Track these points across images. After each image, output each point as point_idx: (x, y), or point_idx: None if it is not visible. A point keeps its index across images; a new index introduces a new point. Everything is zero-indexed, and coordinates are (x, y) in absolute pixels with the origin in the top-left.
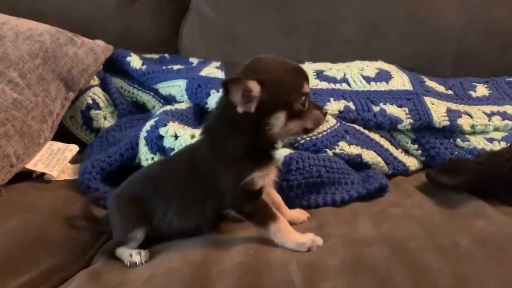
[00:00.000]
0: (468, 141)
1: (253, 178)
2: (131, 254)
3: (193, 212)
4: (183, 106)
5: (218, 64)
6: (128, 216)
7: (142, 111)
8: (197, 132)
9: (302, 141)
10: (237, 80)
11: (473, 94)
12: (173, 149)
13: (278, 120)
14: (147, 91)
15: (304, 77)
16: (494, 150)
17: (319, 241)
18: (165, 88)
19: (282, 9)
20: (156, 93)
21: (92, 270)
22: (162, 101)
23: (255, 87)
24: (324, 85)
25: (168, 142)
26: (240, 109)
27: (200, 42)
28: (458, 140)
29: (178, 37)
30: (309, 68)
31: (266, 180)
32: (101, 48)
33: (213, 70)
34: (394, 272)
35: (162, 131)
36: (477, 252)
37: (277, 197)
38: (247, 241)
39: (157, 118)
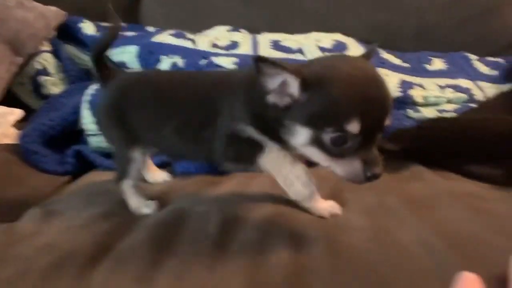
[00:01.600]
0: (420, 112)
1: (245, 129)
2: (139, 206)
3: (188, 137)
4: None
5: (172, 31)
6: (121, 134)
7: (95, 79)
8: None
9: None
10: (275, 65)
11: (428, 67)
12: None
13: (299, 135)
14: None
15: (363, 109)
16: (437, 117)
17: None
18: (117, 54)
19: None
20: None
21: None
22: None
23: (295, 85)
24: (279, 54)
25: None
26: (270, 98)
27: (160, 11)
28: (410, 111)
29: (138, 6)
30: (266, 38)
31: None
32: (53, 14)
33: (166, 37)
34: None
35: None
36: (401, 209)
37: None
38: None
39: None
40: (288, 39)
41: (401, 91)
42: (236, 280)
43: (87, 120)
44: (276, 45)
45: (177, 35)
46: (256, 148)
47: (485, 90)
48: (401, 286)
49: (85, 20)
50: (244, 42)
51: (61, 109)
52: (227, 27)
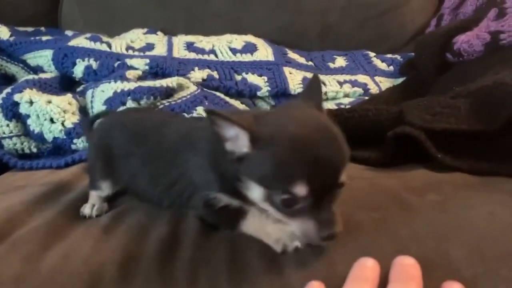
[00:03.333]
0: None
1: (214, 196)
2: (85, 206)
3: (162, 189)
4: (48, 75)
5: (88, 35)
6: (98, 164)
7: (12, 83)
8: (54, 98)
9: (161, 106)
10: (223, 118)
11: (331, 65)
12: (29, 116)
13: (254, 192)
14: (16, 63)
15: (310, 171)
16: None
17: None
18: (32, 58)
19: None
20: (25, 65)
21: None
22: (31, 72)
23: (244, 138)
24: (192, 55)
25: (23, 109)
26: (228, 146)
27: (79, 15)
28: None
29: (57, 10)
30: (181, 40)
31: (235, 203)
32: None
33: (82, 41)
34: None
35: (17, 97)
36: None
37: None
38: None
39: (13, 86)
40: (202, 41)
41: (302, 87)
42: (115, 254)
43: (0, 123)
44: (190, 47)
45: (92, 39)
46: (235, 215)
47: (381, 85)
48: None
49: (0, 25)
50: (160, 44)
51: None
52: (144, 30)
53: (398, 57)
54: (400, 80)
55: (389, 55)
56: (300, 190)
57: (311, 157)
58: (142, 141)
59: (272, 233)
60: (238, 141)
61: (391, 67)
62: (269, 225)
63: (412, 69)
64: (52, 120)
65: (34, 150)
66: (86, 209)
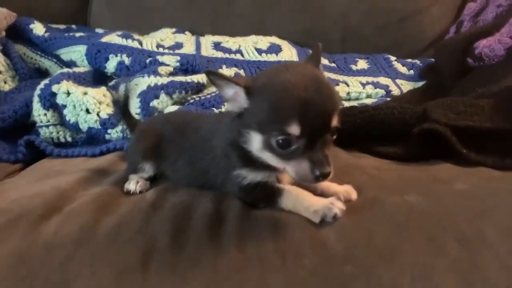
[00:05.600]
0: (343, 105)
1: (238, 173)
2: (130, 181)
3: (199, 173)
4: (81, 69)
5: (120, 32)
6: (142, 147)
7: (45, 77)
8: (90, 90)
9: (192, 100)
10: (221, 77)
11: (354, 67)
12: (65, 106)
13: (254, 142)
14: (49, 58)
15: (303, 112)
16: (350, 106)
17: (336, 209)
18: (66, 53)
19: None
20: (58, 59)
21: None
22: (64, 67)
23: (241, 94)
24: (219, 54)
25: (60, 99)
26: (228, 107)
27: (108, 14)
28: None
29: (87, 9)
30: (208, 40)
31: (265, 177)
32: (2, 15)
33: (114, 37)
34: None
35: (54, 88)
36: None
37: None
38: None
39: (51, 77)
40: (228, 41)
41: None
42: (165, 226)
43: (38, 113)
44: (217, 46)
45: (124, 36)
46: (272, 194)
47: (402, 87)
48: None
49: (35, 21)
50: (188, 43)
51: (12, 103)
52: (172, 29)
53: (417, 61)
54: (420, 83)
55: (409, 60)
56: (294, 129)
57: (303, 99)
58: (182, 131)
59: (310, 205)
60: (237, 98)
61: (412, 71)
62: (306, 200)
63: (432, 73)
64: (87, 111)
65: (69, 139)
66: (131, 185)
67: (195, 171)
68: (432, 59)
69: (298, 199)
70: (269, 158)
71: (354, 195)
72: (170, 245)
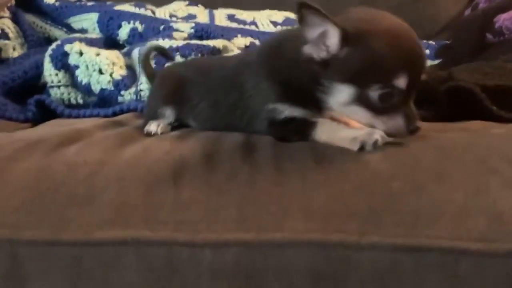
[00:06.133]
0: None
1: (276, 108)
2: (151, 124)
3: (223, 113)
4: (93, 35)
5: (133, 2)
6: (163, 91)
7: None
8: (102, 51)
9: None
10: (318, 13)
11: None
12: (78, 66)
13: (340, 93)
14: (60, 27)
15: (409, 65)
16: None
17: (377, 135)
18: (77, 22)
19: None
20: (69, 29)
21: None
22: None
23: (335, 37)
24: (234, 25)
25: (73, 59)
26: (306, 49)
27: None
28: None
29: None
30: (222, 12)
31: (302, 113)
32: None
33: (127, 6)
34: None
35: (67, 47)
36: None
37: None
38: None
39: (64, 38)
40: (243, 14)
41: None
42: (195, 148)
43: (49, 73)
44: (232, 18)
45: (137, 5)
46: (305, 127)
47: None
48: None
49: None
50: (202, 15)
51: (22, 64)
52: (185, 2)
53: (433, 42)
54: (436, 62)
55: (424, 41)
56: (402, 82)
57: (409, 51)
58: (206, 71)
59: (347, 134)
60: (326, 42)
61: (427, 51)
62: (341, 130)
63: (449, 52)
64: (100, 71)
65: (81, 101)
66: (152, 127)
67: (219, 112)
68: (447, 41)
69: (333, 130)
70: (355, 112)
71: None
72: (203, 163)
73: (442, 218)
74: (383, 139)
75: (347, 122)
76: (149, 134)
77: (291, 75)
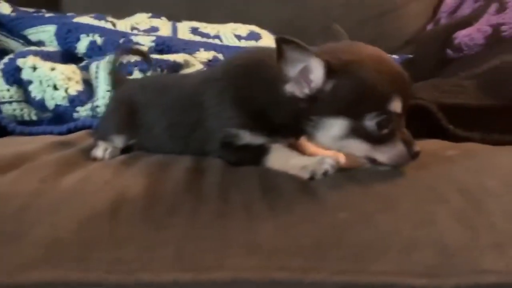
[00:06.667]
0: None
1: (237, 133)
2: (98, 148)
3: (181, 135)
4: (50, 48)
5: (93, 15)
6: (116, 118)
7: None
8: (58, 65)
9: None
10: (299, 47)
11: None
12: (31, 82)
13: (332, 128)
14: (16, 38)
15: (399, 90)
16: None
17: (327, 164)
18: (34, 34)
19: None
20: (26, 40)
21: None
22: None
23: (318, 71)
24: (197, 38)
25: (26, 74)
26: (289, 88)
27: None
28: None
29: None
30: (185, 25)
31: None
32: None
33: (86, 18)
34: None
35: (20, 62)
36: None
37: None
38: None
39: (17, 52)
40: (207, 27)
41: None
42: (138, 177)
43: (0, 88)
44: (195, 31)
45: (97, 17)
46: (257, 152)
47: None
48: None
49: (1, 1)
50: (164, 27)
51: None
52: (148, 14)
53: (396, 57)
54: None
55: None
56: (397, 106)
57: (397, 74)
58: (163, 92)
59: (298, 162)
60: (308, 75)
61: None
62: (293, 157)
63: (411, 67)
64: (55, 87)
65: (34, 117)
66: (98, 151)
67: (176, 134)
68: (410, 56)
69: (285, 157)
70: (353, 146)
71: (342, 159)
72: (143, 194)
73: (389, 251)
74: (333, 167)
75: (305, 147)
76: (95, 159)
77: (261, 103)
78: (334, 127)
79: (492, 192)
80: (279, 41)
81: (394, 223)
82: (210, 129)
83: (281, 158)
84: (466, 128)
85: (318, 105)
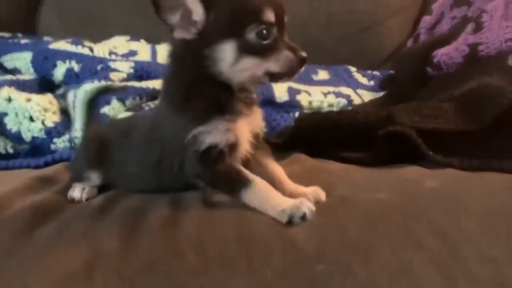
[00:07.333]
0: None
1: (194, 135)
2: (74, 189)
3: (150, 172)
4: (26, 77)
5: (69, 39)
6: (88, 155)
7: None
8: (34, 96)
9: (147, 108)
10: None
11: (315, 77)
12: (6, 114)
13: (224, 52)
14: None
15: (269, 2)
16: (312, 111)
17: (305, 208)
18: (10, 61)
19: None
20: (1, 67)
21: None
22: (6, 74)
23: (196, 6)
24: None
25: (1, 106)
26: (177, 34)
27: (57, 23)
28: (297, 113)
29: (34, 18)
30: (165, 48)
31: (224, 138)
32: None
33: (63, 44)
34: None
35: None
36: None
37: (275, 168)
38: None
39: None
40: None
41: (288, 96)
42: (113, 229)
43: None
44: None
45: (74, 42)
46: (237, 180)
47: (363, 97)
48: None
49: None
50: (143, 51)
51: None
52: (127, 37)
53: (377, 73)
54: (381, 94)
55: (369, 71)
56: (270, 15)
57: None
58: (127, 132)
59: (277, 204)
60: (191, 16)
61: (372, 82)
62: (273, 197)
63: (392, 84)
64: (31, 119)
65: (11, 150)
66: (75, 192)
67: (146, 170)
68: (391, 71)
69: (265, 196)
70: (247, 64)
71: (323, 196)
72: (118, 249)
73: None
74: (311, 211)
75: (284, 184)
76: (73, 201)
77: (192, 83)
78: (226, 51)
79: (468, 235)
80: None
81: (372, 275)
82: (175, 153)
83: (259, 196)
84: (445, 152)
85: (207, 39)
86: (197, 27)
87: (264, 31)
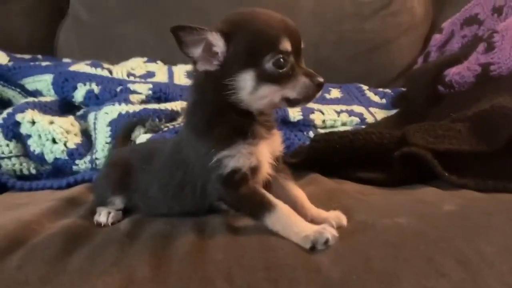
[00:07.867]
0: None
1: (218, 159)
2: (100, 213)
3: (173, 195)
4: (47, 99)
5: (89, 61)
6: (112, 180)
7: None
8: (56, 118)
9: (165, 129)
10: (193, 29)
11: (327, 96)
12: (30, 136)
13: (244, 82)
14: (13, 87)
15: (286, 32)
16: (328, 132)
17: (328, 233)
18: (31, 83)
19: (154, 12)
20: (23, 89)
21: None
22: (28, 97)
23: (217, 40)
24: None
25: (25, 129)
26: (200, 67)
27: (76, 44)
28: (311, 132)
29: (53, 39)
30: (181, 69)
31: (246, 161)
32: None
33: (83, 66)
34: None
35: (18, 117)
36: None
37: (298, 192)
38: None
39: (15, 106)
40: None
41: (302, 115)
42: (143, 256)
43: (0, 143)
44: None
45: (93, 65)
46: (261, 204)
47: (375, 115)
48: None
49: None
50: (160, 72)
51: None
52: (144, 59)
53: (389, 91)
54: (393, 111)
55: (380, 89)
56: (286, 45)
57: (283, 23)
58: (149, 157)
59: (300, 230)
60: (212, 49)
61: (384, 100)
62: (296, 223)
63: (404, 102)
64: (54, 141)
65: (33, 171)
66: (101, 217)
67: (169, 194)
68: (403, 88)
69: (288, 222)
70: (266, 92)
71: (344, 221)
72: (150, 278)
73: None
74: (334, 237)
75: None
76: (99, 225)
77: (215, 111)
78: (245, 80)
79: (489, 261)
80: (174, 30)
81: None
82: (199, 176)
83: (282, 221)
84: (460, 173)
85: (227, 70)
86: (218, 59)
87: (281, 60)
